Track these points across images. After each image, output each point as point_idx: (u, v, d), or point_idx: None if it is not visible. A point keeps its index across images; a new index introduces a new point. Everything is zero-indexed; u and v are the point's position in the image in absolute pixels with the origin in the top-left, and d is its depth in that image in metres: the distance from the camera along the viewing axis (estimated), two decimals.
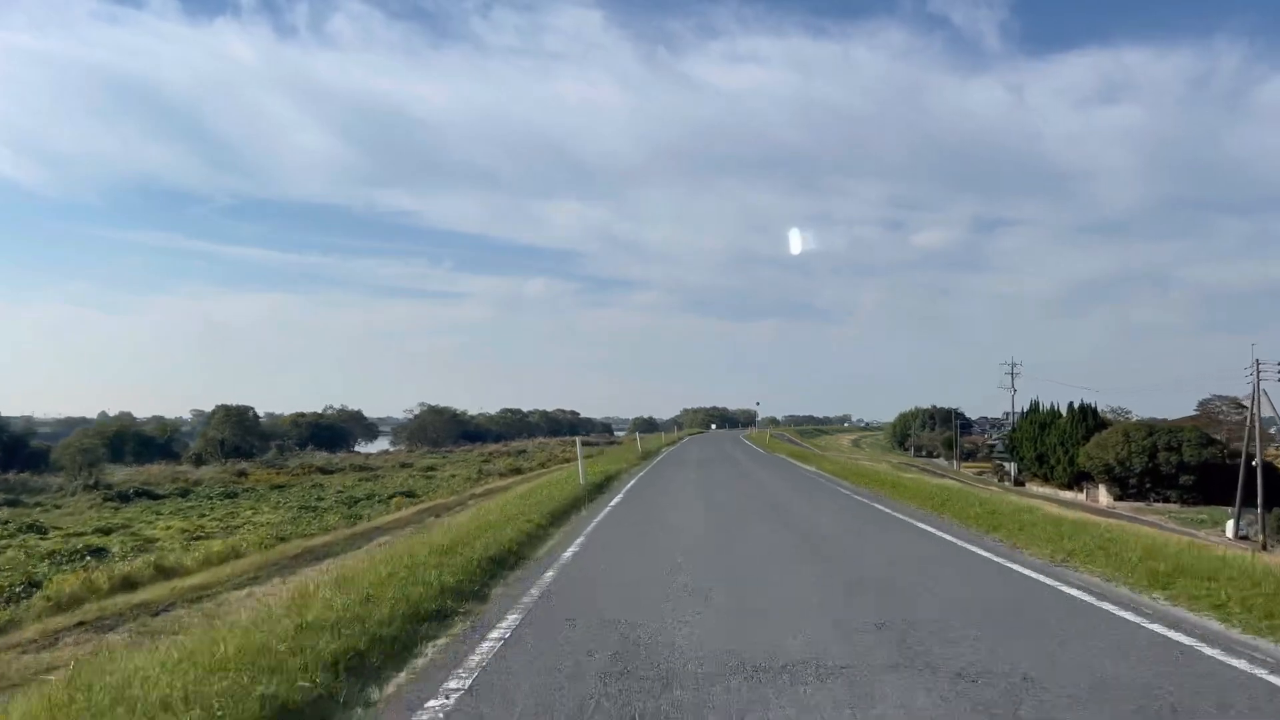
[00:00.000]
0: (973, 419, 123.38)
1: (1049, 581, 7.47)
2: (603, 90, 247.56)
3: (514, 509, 13.25)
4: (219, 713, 3.68)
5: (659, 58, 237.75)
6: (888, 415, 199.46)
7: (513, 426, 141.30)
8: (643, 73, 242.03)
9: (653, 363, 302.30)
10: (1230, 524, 36.45)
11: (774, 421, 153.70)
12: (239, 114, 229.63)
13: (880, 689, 4.31)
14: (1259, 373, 38.46)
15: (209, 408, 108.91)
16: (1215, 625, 5.76)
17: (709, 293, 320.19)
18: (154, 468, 61.07)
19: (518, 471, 55.16)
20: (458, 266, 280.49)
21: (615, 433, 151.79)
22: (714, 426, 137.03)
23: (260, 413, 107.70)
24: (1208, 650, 5.06)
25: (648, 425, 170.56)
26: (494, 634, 5.72)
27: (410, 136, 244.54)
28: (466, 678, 4.70)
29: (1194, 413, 52.40)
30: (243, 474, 56.63)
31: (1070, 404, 55.80)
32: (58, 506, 42.08)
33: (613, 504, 15.67)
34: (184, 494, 45.80)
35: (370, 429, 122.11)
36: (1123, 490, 49.56)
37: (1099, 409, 57.61)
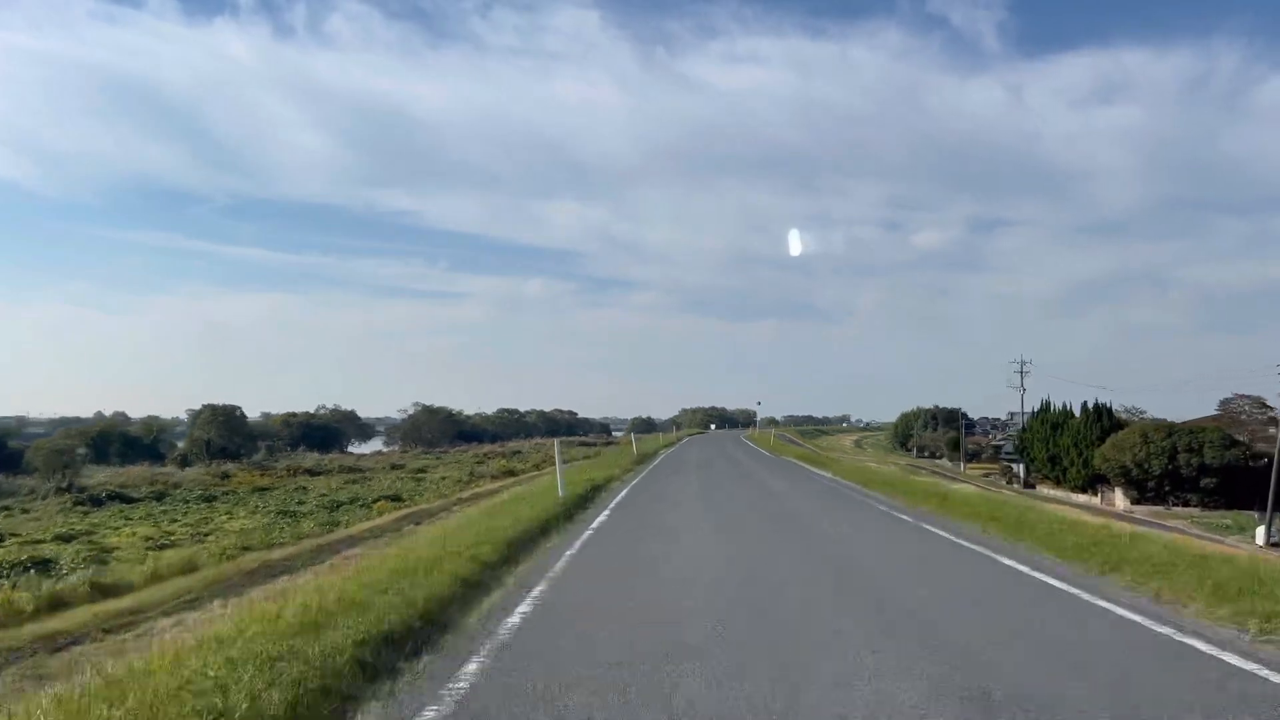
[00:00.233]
0: (974, 419, 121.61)
1: None
2: (601, 90, 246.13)
3: (463, 537, 10.15)
4: None
5: (657, 58, 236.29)
6: (887, 415, 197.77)
7: (509, 427, 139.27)
8: (641, 73, 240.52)
9: (651, 363, 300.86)
10: (1261, 530, 34.47)
11: (773, 422, 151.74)
12: (238, 114, 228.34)
13: None
14: None
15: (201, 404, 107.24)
16: None
17: (708, 293, 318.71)
18: (135, 469, 59.07)
19: (511, 473, 53.05)
20: (456, 266, 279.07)
21: (613, 433, 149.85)
22: (713, 427, 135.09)
23: (258, 413, 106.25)
24: None
25: (646, 425, 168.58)
26: None
27: (409, 136, 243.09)
28: None
29: (1215, 412, 50.47)
30: (225, 476, 54.61)
31: (1084, 403, 53.86)
32: (25, 510, 40.09)
33: (595, 526, 12.69)
34: (160, 497, 43.81)
35: (364, 429, 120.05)
36: (1140, 493, 47.57)
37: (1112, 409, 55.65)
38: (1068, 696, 4.44)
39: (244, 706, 3.78)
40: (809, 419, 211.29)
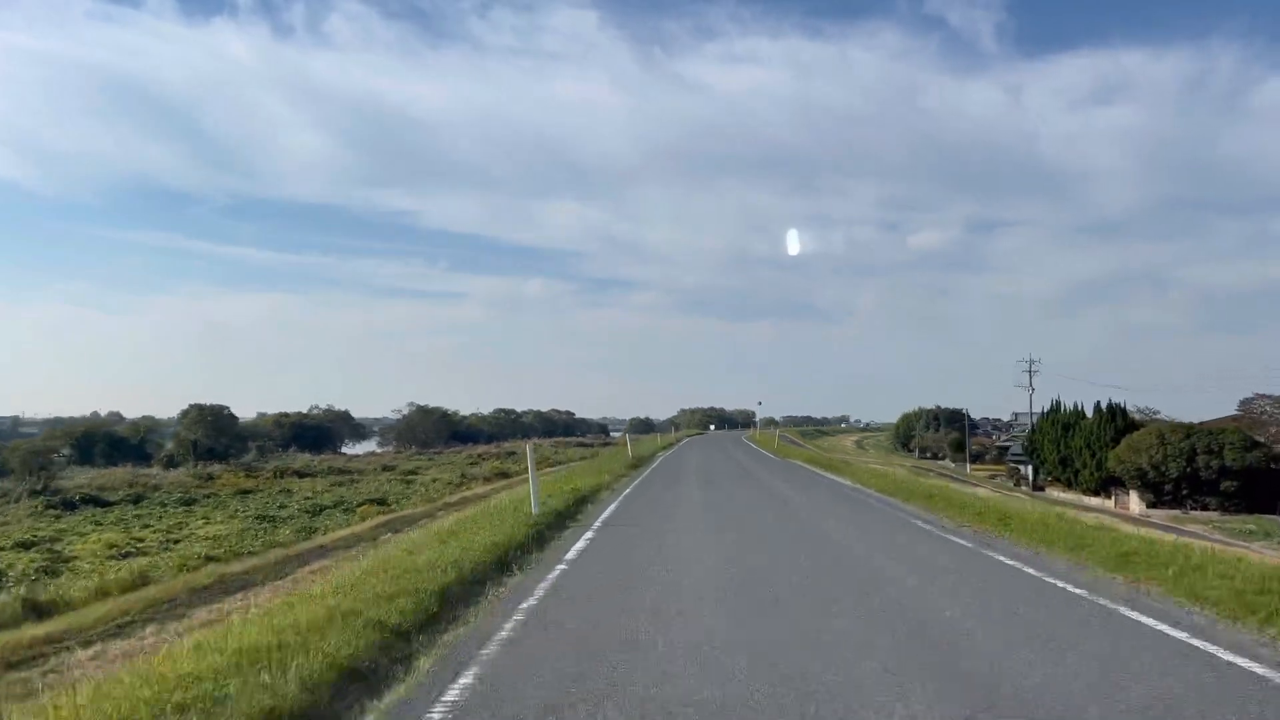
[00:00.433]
0: (976, 420, 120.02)
1: None
2: (600, 91, 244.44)
3: (382, 582, 7.08)
4: None
5: (656, 58, 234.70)
6: (886, 416, 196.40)
7: (506, 427, 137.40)
8: (640, 73, 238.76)
9: (651, 363, 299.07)
10: None
11: (772, 422, 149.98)
12: (237, 113, 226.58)
13: None
14: None
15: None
16: None
17: (707, 293, 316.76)
18: (117, 471, 57.22)
19: (504, 475, 51.28)
20: (455, 266, 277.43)
21: (612, 433, 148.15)
22: (712, 427, 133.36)
23: (255, 413, 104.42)
24: None
25: (644, 426, 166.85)
26: None
27: (408, 136, 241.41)
28: None
29: (1235, 413, 48.76)
30: (209, 478, 52.81)
31: (1097, 404, 52.05)
32: None
33: (569, 559, 9.53)
34: (137, 500, 41.98)
35: (358, 430, 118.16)
36: (1156, 497, 45.86)
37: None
38: None
39: None
40: (808, 419, 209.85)
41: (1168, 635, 6.04)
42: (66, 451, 75.45)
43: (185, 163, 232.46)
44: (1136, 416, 53.04)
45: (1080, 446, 51.03)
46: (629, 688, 4.76)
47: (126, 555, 25.73)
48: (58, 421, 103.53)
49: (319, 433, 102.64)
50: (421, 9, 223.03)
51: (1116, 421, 49.69)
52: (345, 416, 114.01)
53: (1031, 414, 66.63)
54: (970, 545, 10.74)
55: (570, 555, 9.88)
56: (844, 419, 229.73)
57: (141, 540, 29.23)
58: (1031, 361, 67.04)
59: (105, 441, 76.94)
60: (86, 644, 11.32)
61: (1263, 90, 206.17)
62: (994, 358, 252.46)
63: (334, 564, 17.02)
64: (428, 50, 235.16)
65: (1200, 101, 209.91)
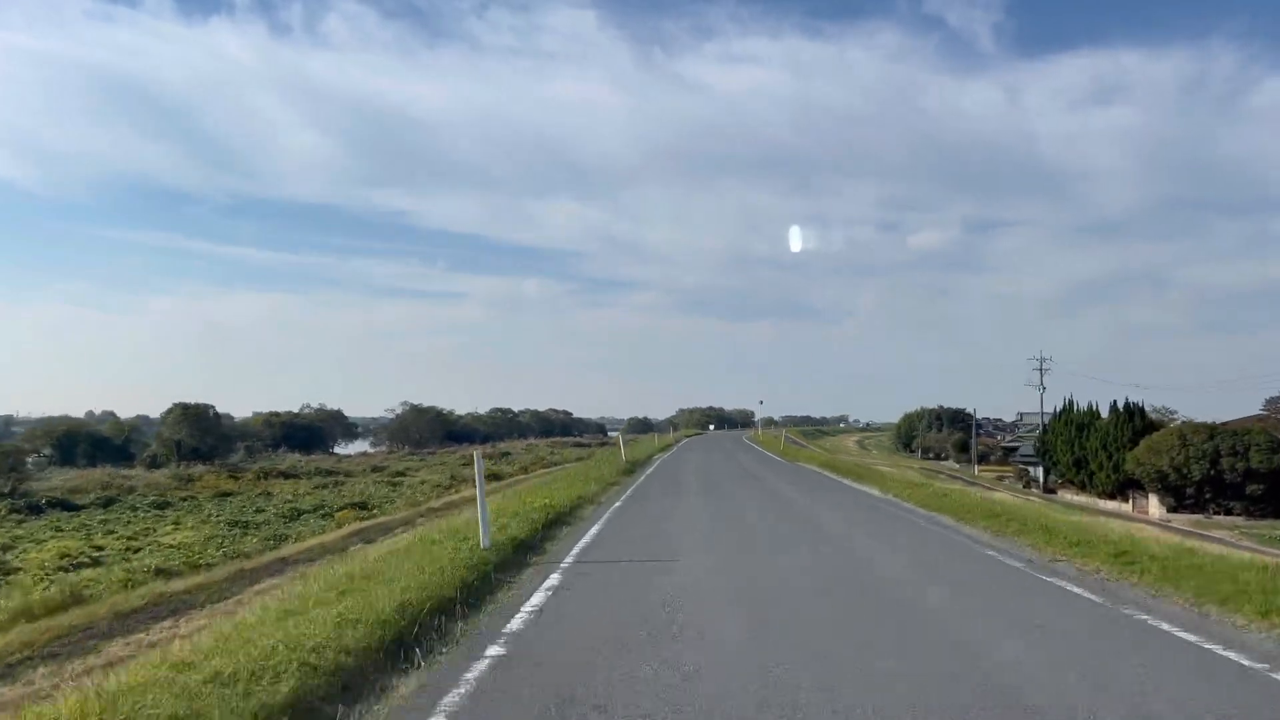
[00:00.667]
0: (978, 420, 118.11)
1: None
2: (599, 91, 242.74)
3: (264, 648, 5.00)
4: None
5: (655, 58, 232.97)
6: (885, 415, 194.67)
7: (502, 427, 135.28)
8: (639, 73, 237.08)
9: (649, 363, 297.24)
10: None
11: (772, 422, 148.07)
12: (235, 113, 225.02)
13: None
14: None
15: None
16: None
17: (706, 293, 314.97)
18: (95, 472, 55.10)
19: (495, 477, 49.19)
20: (454, 266, 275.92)
21: (609, 433, 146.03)
22: (711, 427, 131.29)
23: (252, 413, 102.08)
24: None
25: (643, 425, 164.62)
26: None
27: (407, 136, 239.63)
28: None
29: (1260, 412, 46.83)
30: (188, 480, 50.69)
31: (1113, 403, 50.06)
32: None
33: (515, 627, 6.52)
34: (108, 504, 39.84)
35: (350, 429, 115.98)
36: (1178, 500, 43.88)
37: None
38: None
39: None
40: (807, 419, 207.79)
41: None
42: (47, 452, 73.30)
43: (184, 162, 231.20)
44: (1154, 417, 51.07)
45: (1096, 448, 49.03)
46: None
47: (78, 566, 23.64)
48: (49, 421, 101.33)
49: (310, 433, 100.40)
50: (419, 9, 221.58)
51: (1134, 422, 47.71)
52: (338, 416, 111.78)
53: (1042, 414, 64.66)
54: (1096, 599, 7.43)
55: (514, 625, 6.47)
56: (843, 419, 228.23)
57: (101, 549, 27.15)
58: (1043, 360, 64.97)
59: (88, 442, 74.70)
60: None
61: (1261, 90, 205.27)
62: (994, 358, 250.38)
63: (285, 583, 15.00)
64: (426, 50, 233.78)
65: (1199, 102, 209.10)
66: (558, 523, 13.09)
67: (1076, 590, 7.86)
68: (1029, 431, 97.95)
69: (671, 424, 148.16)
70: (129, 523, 33.99)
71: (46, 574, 21.65)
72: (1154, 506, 45.70)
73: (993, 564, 9.55)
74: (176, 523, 33.85)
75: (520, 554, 9.97)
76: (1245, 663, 5.40)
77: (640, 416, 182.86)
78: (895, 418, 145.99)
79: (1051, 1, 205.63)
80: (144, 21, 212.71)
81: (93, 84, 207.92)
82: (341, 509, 34.84)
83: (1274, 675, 5.13)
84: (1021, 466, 67.61)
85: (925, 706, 4.54)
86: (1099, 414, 51.66)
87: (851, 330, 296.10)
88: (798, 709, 4.49)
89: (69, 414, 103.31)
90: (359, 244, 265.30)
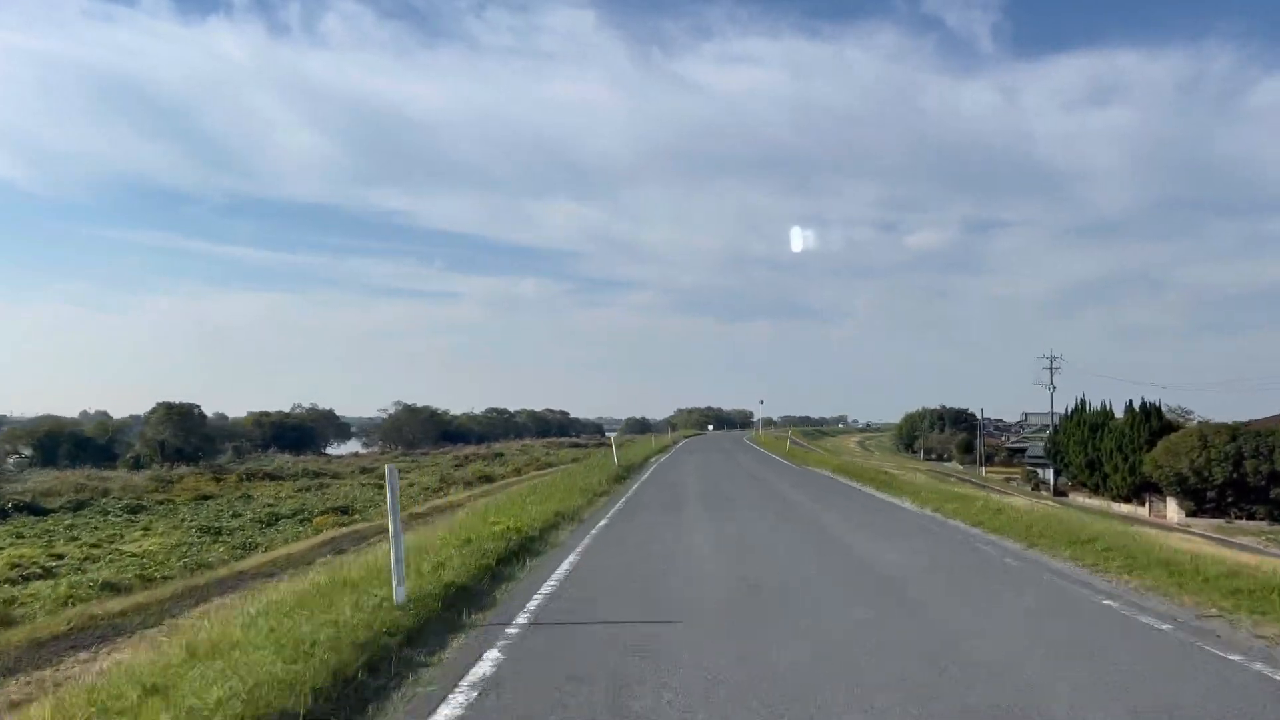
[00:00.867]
0: (982, 420, 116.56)
1: None
2: (598, 90, 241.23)
3: None
4: None
5: (653, 58, 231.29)
6: (884, 415, 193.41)
7: (497, 427, 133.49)
8: (637, 73, 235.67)
9: (647, 363, 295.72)
10: None
11: (770, 422, 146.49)
12: (233, 113, 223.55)
13: None
14: None
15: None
16: None
17: (704, 293, 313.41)
18: (71, 474, 53.17)
19: (487, 479, 47.32)
20: (452, 266, 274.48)
21: (607, 434, 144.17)
22: (710, 428, 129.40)
23: (246, 412, 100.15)
24: None
25: (641, 426, 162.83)
26: None
27: (404, 136, 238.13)
28: None
29: None
30: (168, 482, 48.75)
31: (1128, 403, 48.23)
32: None
33: None
34: (79, 507, 37.92)
35: (343, 430, 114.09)
36: (1198, 504, 42.12)
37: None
38: None
39: None
40: (806, 419, 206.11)
41: None
42: (28, 453, 71.39)
43: (182, 162, 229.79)
44: (1170, 417, 49.31)
45: (1111, 449, 47.25)
46: None
47: (28, 578, 21.77)
48: (42, 420, 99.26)
49: (300, 433, 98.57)
50: (417, 8, 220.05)
51: (1151, 422, 45.91)
52: (329, 416, 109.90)
53: (1053, 414, 62.88)
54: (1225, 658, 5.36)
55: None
56: (842, 419, 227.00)
57: (60, 557, 25.28)
58: (1052, 359, 63.20)
59: (70, 442, 72.78)
60: None
61: (1258, 91, 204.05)
62: (993, 359, 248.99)
63: (236, 600, 13.16)
64: (424, 50, 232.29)
65: (1196, 102, 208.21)
66: (523, 552, 9.86)
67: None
68: (1034, 432, 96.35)
69: (670, 424, 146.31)
70: (96, 528, 32.11)
71: None
72: (1172, 510, 43.95)
73: (1132, 629, 6.36)
74: (146, 528, 31.98)
75: (455, 609, 6.82)
76: None
77: (638, 417, 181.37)
78: (894, 418, 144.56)
79: (1049, 2, 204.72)
80: (141, 21, 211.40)
81: (91, 84, 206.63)
82: (323, 513, 32.99)
83: None
84: (1030, 468, 65.88)
85: None
86: (1112, 414, 49.90)
87: (850, 330, 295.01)
88: None
89: (64, 414, 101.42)
90: (356, 244, 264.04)
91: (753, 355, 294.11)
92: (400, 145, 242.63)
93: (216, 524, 31.65)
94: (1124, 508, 46.97)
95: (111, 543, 28.50)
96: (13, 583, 20.92)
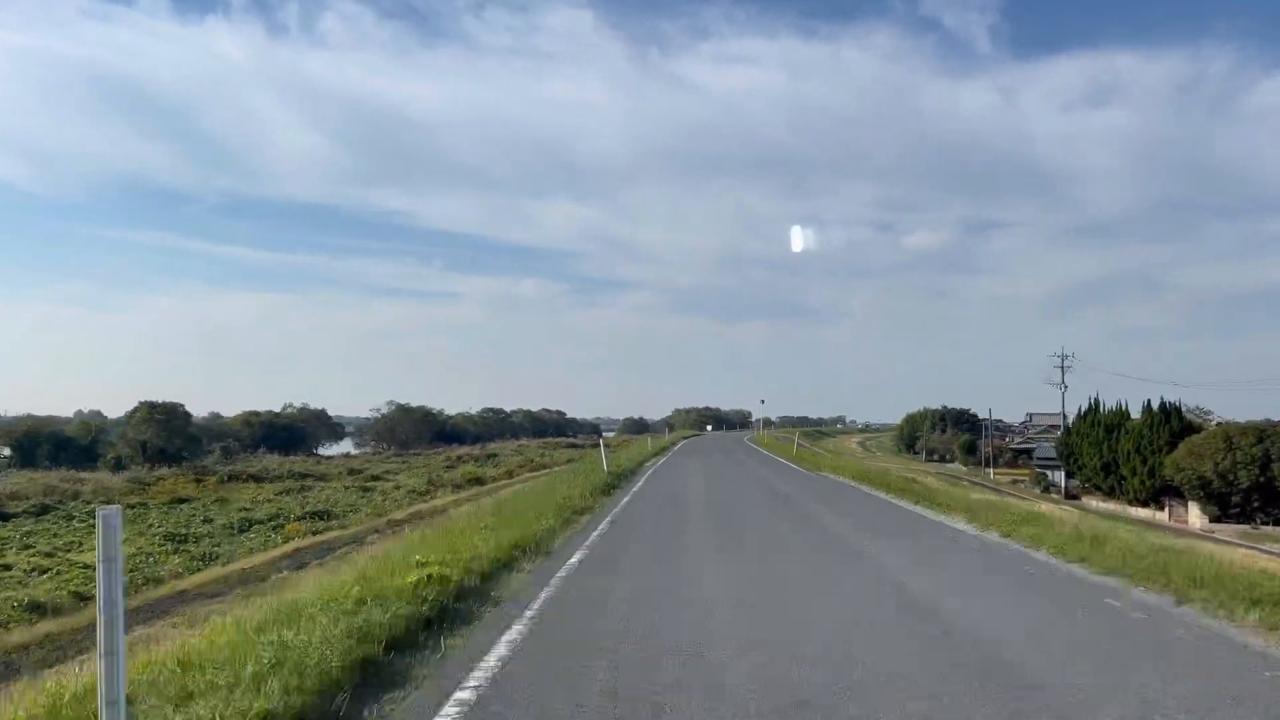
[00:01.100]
0: (981, 420, 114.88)
1: None
2: (596, 91, 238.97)
3: None
4: None
5: (651, 59, 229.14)
6: (882, 416, 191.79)
7: (493, 427, 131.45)
8: (635, 73, 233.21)
9: (645, 363, 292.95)
10: None
11: (769, 422, 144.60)
12: (231, 113, 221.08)
13: None
14: None
15: (192, 406, 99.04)
16: None
17: (701, 293, 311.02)
18: (47, 475, 51.11)
19: (478, 482, 45.33)
20: (450, 266, 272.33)
21: (604, 434, 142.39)
22: (709, 428, 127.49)
23: (236, 410, 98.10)
24: None
25: (638, 426, 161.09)
26: None
27: (403, 136, 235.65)
28: None
29: None
30: (144, 485, 46.70)
31: (1146, 403, 46.30)
32: None
33: None
34: (44, 512, 35.91)
35: (335, 430, 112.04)
36: (1222, 509, 40.22)
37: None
38: None
39: None
40: (804, 419, 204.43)
41: None
42: (7, 453, 69.36)
43: (180, 162, 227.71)
44: (1189, 418, 47.43)
45: (1129, 451, 45.32)
46: None
47: None
48: (34, 420, 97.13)
49: (291, 433, 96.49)
50: (416, 8, 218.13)
51: (1171, 423, 44.00)
52: (322, 416, 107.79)
53: (1064, 414, 61.01)
54: None
55: None
56: (840, 419, 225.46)
57: (8, 568, 23.33)
58: (1064, 356, 61.32)
59: (50, 442, 70.69)
60: None
61: (1255, 92, 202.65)
62: (992, 359, 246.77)
63: (158, 632, 11.22)
64: (423, 50, 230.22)
65: (1193, 103, 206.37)
66: (440, 624, 6.46)
67: None
68: (1040, 433, 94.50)
69: (667, 424, 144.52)
70: (56, 535, 30.15)
71: None
72: (1194, 516, 42.04)
73: None
74: None
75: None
76: None
77: (636, 417, 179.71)
78: (893, 418, 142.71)
79: (1047, 3, 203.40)
80: (140, 21, 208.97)
81: (89, 83, 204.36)
82: (300, 518, 31.03)
83: None
84: (1039, 470, 63.95)
85: None
86: (1128, 414, 48.00)
87: (848, 331, 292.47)
88: None
89: (61, 414, 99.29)
90: (355, 244, 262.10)
91: (750, 355, 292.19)
92: (400, 145, 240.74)
93: (185, 530, 29.71)
94: (1142, 512, 45.09)
95: (68, 551, 26.55)
96: None
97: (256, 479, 53.93)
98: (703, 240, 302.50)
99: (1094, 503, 50.34)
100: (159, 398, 71.18)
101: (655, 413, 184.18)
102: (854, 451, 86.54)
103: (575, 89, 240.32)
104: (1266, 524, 38.96)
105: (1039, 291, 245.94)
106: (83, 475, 53.10)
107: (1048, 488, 59.50)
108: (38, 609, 15.75)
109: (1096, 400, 50.69)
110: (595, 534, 12.16)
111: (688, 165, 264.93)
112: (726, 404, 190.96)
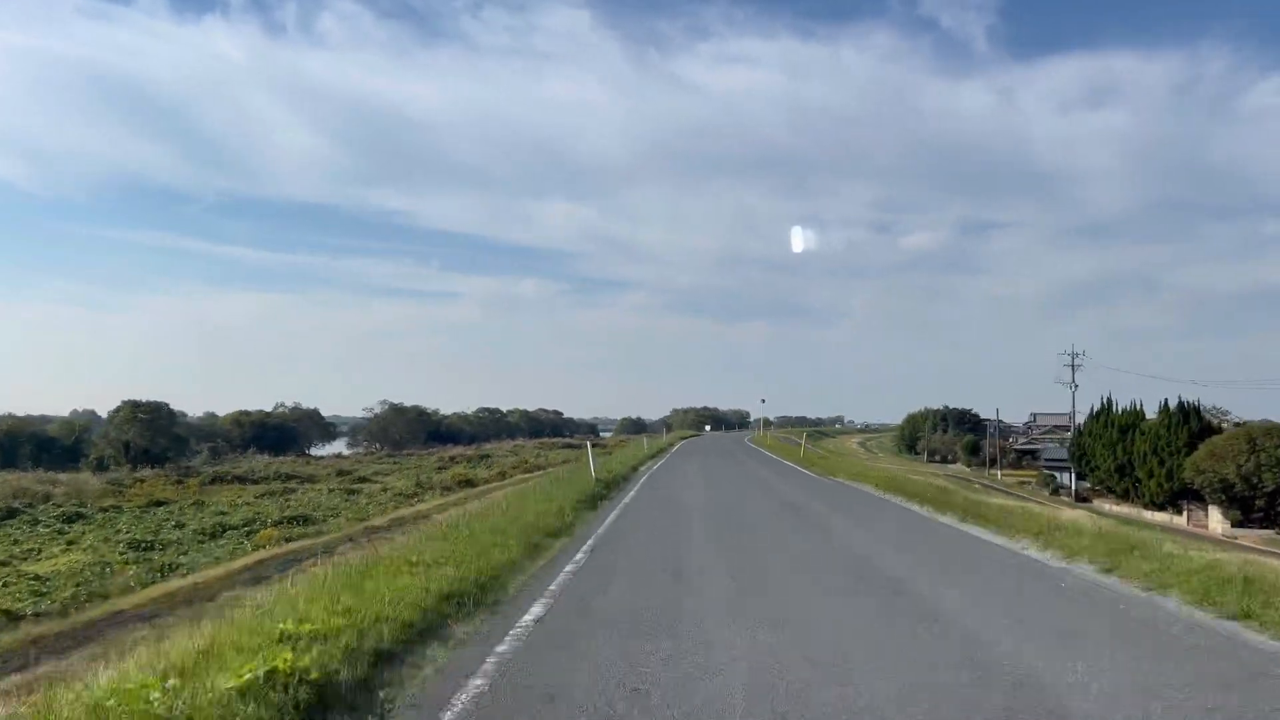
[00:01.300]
0: (983, 420, 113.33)
1: None
2: (594, 91, 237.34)
3: None
4: None
5: (649, 58, 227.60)
6: (881, 416, 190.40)
7: (489, 427, 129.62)
8: (634, 73, 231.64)
9: (643, 363, 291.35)
10: None
11: (767, 422, 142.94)
12: (230, 112, 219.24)
13: None
14: None
15: (189, 406, 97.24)
16: None
17: (700, 293, 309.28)
18: (22, 476, 49.26)
19: (469, 483, 43.48)
20: (449, 266, 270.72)
21: (602, 434, 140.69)
22: (708, 428, 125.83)
23: (230, 410, 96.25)
24: None
25: (636, 426, 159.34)
26: None
27: (402, 136, 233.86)
28: None
29: None
30: (122, 486, 44.91)
31: (1163, 403, 44.67)
32: None
33: None
34: (9, 515, 34.09)
35: (328, 429, 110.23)
36: (1244, 514, 38.56)
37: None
38: None
39: None
40: (803, 419, 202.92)
41: None
42: None
43: (179, 162, 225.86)
44: (1207, 418, 45.76)
45: (1145, 452, 43.63)
46: None
47: None
48: (28, 420, 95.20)
49: (282, 433, 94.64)
50: (414, 8, 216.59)
51: (1190, 424, 42.31)
52: (314, 415, 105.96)
53: (1074, 414, 59.35)
54: None
55: None
56: (839, 419, 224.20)
57: None
58: (1075, 355, 59.65)
59: (32, 442, 68.87)
60: None
61: (1253, 93, 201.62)
62: (991, 359, 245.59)
63: (68, 667, 9.43)
64: (421, 50, 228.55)
65: (1191, 104, 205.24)
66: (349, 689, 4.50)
67: None
68: (1045, 433, 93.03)
69: (665, 424, 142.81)
70: (16, 541, 28.38)
71: None
72: (1215, 520, 40.37)
73: None
74: (73, 541, 28.26)
75: None
76: None
77: (634, 417, 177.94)
78: (892, 418, 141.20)
79: (1045, 4, 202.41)
80: (138, 20, 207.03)
81: (88, 83, 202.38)
82: (277, 524, 29.22)
83: None
84: (1047, 471, 62.30)
85: None
86: (1143, 414, 46.33)
87: (847, 331, 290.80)
88: None
89: (56, 414, 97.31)
90: (354, 244, 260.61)
91: (749, 355, 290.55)
92: (399, 145, 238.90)
93: (153, 537, 27.92)
94: (1158, 516, 43.40)
95: (24, 559, 24.79)
96: None
97: (241, 480, 52.19)
98: (702, 240, 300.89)
99: (1107, 506, 48.64)
100: (158, 398, 69.57)
101: (653, 413, 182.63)
102: (855, 452, 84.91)
103: (574, 89, 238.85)
104: None
105: (1038, 291, 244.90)
106: (59, 477, 51.26)
107: (1056, 490, 57.88)
108: None
109: (1109, 400, 49.09)
110: (567, 570, 9.11)
111: (687, 165, 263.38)
112: (725, 404, 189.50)
